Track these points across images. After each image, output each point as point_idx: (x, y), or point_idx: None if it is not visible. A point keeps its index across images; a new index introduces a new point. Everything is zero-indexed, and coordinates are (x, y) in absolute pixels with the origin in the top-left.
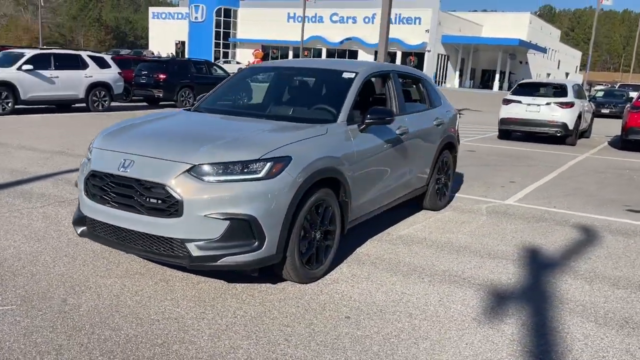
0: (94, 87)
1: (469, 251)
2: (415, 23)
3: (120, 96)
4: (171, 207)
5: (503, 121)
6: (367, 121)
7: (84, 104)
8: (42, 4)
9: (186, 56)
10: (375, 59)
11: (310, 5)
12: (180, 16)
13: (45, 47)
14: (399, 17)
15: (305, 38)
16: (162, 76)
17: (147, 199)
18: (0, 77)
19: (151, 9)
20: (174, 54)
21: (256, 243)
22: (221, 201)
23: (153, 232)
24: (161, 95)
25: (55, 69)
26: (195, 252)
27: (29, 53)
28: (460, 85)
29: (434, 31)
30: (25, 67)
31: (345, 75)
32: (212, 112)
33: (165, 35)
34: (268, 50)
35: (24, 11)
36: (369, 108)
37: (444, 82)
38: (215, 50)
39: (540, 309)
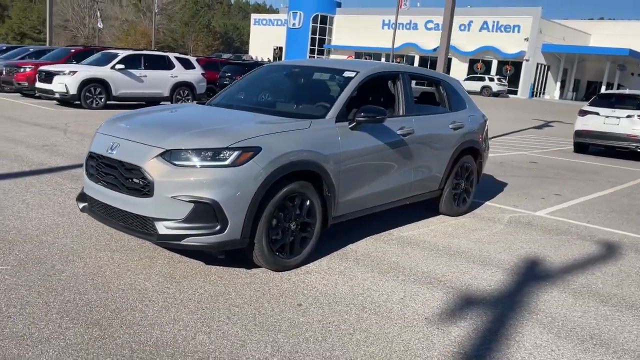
0: (178, 86)
1: (464, 257)
2: (513, 31)
3: (202, 95)
4: (145, 187)
5: (578, 134)
6: (357, 119)
7: (169, 102)
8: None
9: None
10: (469, 67)
11: (405, 12)
12: (279, 22)
13: (143, 48)
14: (497, 25)
15: (398, 45)
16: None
17: (128, 180)
18: (96, 74)
19: (253, 16)
20: (270, 59)
21: (219, 226)
22: (187, 184)
23: (131, 210)
24: None
25: (145, 68)
26: (162, 230)
27: (122, 54)
28: (562, 97)
29: (533, 40)
30: (118, 66)
31: (346, 74)
32: (219, 105)
33: (264, 41)
34: (361, 56)
35: (142, 17)
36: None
37: (543, 94)
38: (309, 56)
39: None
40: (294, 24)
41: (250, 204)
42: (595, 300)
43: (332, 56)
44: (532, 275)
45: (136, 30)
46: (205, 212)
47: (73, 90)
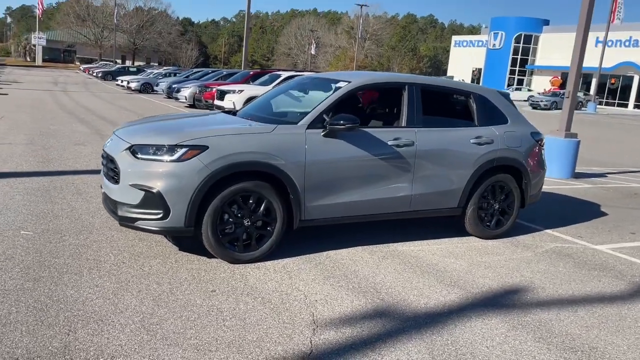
0: None
1: (439, 276)
2: None
3: None
4: (116, 175)
5: None
6: (329, 127)
7: None
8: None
9: (480, 83)
10: None
11: (623, 28)
12: (479, 44)
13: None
14: None
15: (614, 64)
16: None
17: (110, 169)
18: (259, 93)
19: (454, 38)
20: (463, 80)
21: (162, 213)
22: (142, 175)
23: (109, 194)
24: None
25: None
26: (120, 213)
27: (284, 75)
28: None
29: None
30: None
31: (339, 84)
32: (233, 114)
33: (463, 63)
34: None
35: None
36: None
37: None
38: (509, 77)
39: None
40: (494, 45)
41: (192, 196)
42: (551, 336)
43: (534, 77)
44: (504, 304)
45: (346, 56)
46: (152, 200)
47: (239, 106)
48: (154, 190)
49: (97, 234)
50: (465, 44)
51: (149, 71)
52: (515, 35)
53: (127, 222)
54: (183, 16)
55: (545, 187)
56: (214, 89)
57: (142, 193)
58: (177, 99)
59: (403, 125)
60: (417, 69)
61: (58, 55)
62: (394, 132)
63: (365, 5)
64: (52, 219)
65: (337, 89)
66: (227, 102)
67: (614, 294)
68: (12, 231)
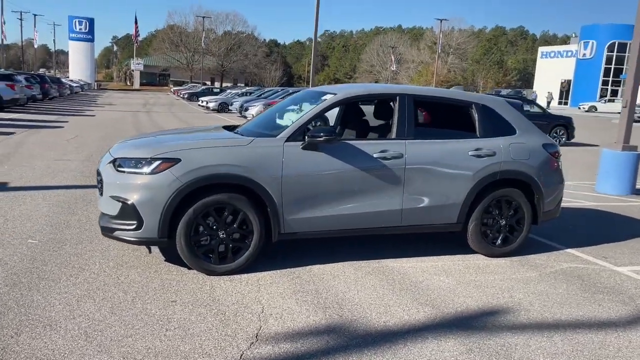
0: None
1: (422, 295)
2: None
3: None
4: (101, 187)
5: None
6: (307, 139)
7: None
8: (450, 51)
9: (570, 95)
10: None
11: None
12: (568, 54)
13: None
14: None
15: None
16: None
17: (98, 182)
18: None
19: (541, 49)
20: (551, 93)
21: (136, 224)
22: (119, 187)
23: (98, 205)
24: None
25: None
26: (102, 223)
27: None
28: None
29: None
30: None
31: (325, 96)
32: (232, 129)
33: (551, 74)
34: None
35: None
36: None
37: None
38: (601, 88)
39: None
40: (584, 55)
41: (164, 207)
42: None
43: None
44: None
45: (427, 71)
46: (128, 211)
47: None
48: (129, 202)
49: (95, 244)
50: (552, 54)
51: (228, 91)
52: (608, 44)
53: (107, 232)
54: (270, 38)
55: (595, 204)
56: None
57: (120, 204)
58: (245, 117)
59: (393, 137)
60: (504, 83)
61: (154, 79)
62: (380, 144)
63: (445, 20)
64: (63, 228)
65: (322, 101)
66: (287, 121)
67: (609, 320)
68: (21, 239)
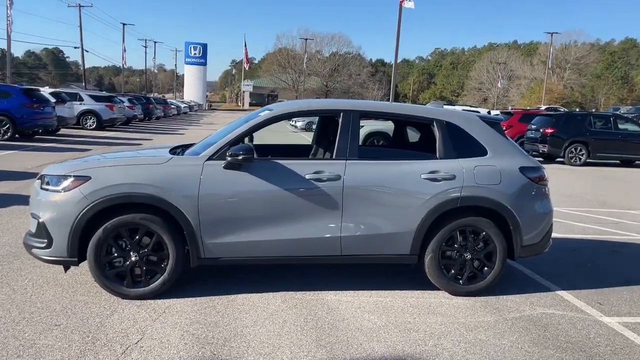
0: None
1: (328, 336)
2: None
3: None
4: None
5: None
6: (228, 158)
7: None
8: (567, 66)
9: None
10: None
11: None
12: None
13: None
14: None
15: None
16: (549, 130)
17: None
18: (374, 129)
19: None
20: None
21: (46, 243)
22: (36, 204)
23: None
24: (546, 150)
25: None
26: (24, 241)
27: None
28: None
29: None
30: None
31: (262, 113)
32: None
33: None
34: None
35: (551, 74)
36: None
37: None
38: None
39: None
40: None
41: (72, 226)
42: None
43: None
44: None
45: (540, 87)
46: (40, 229)
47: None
48: (40, 220)
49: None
50: None
51: None
52: None
53: (27, 249)
54: (376, 57)
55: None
56: None
57: (36, 222)
58: None
59: (333, 157)
60: (630, 99)
61: (262, 100)
62: (316, 164)
63: (557, 33)
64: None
65: (256, 117)
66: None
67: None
68: None
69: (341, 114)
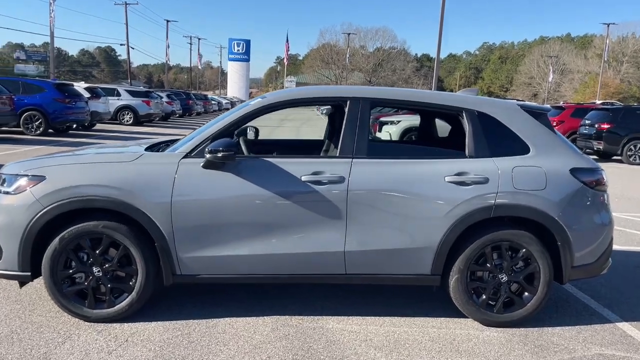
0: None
1: None
2: None
3: None
4: None
5: None
6: (207, 156)
7: None
8: (624, 59)
9: None
10: None
11: None
12: None
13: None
14: None
15: None
16: (604, 126)
17: None
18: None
19: None
20: None
21: None
22: None
23: None
24: (601, 147)
25: None
26: None
27: None
28: None
29: None
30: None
31: (252, 101)
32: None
33: None
34: None
35: (607, 67)
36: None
37: None
38: None
39: None
40: None
41: (23, 235)
42: None
43: None
44: None
45: (595, 81)
46: None
47: (395, 138)
48: None
49: None
50: None
51: None
52: None
53: None
54: (422, 52)
55: None
56: (377, 122)
57: None
58: None
59: (337, 154)
60: None
61: None
62: (314, 163)
63: (614, 24)
64: None
65: (245, 107)
66: (384, 134)
67: None
68: None
69: (348, 102)
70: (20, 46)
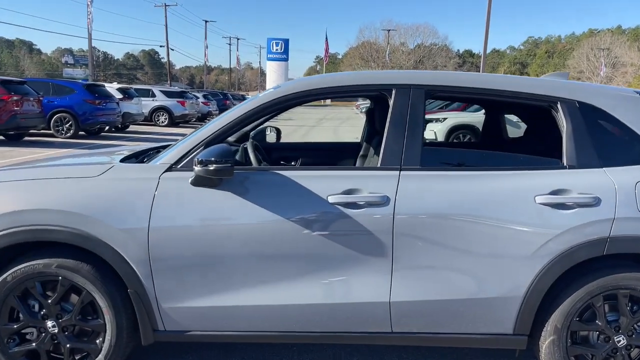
0: None
1: None
2: None
3: None
4: None
5: None
6: (195, 170)
7: None
8: None
9: None
10: None
11: None
12: None
13: None
14: None
15: None
16: None
17: None
18: (464, 121)
19: None
20: None
21: None
22: None
23: None
24: None
25: None
26: None
27: None
28: None
29: None
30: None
31: (263, 93)
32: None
33: None
34: None
35: None
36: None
37: None
38: None
39: None
40: None
41: None
42: None
43: None
44: None
45: None
46: None
47: (441, 137)
48: None
49: None
50: None
51: None
52: None
53: None
54: (464, 48)
55: None
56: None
57: None
58: None
59: (378, 163)
60: None
61: None
62: (346, 177)
63: None
64: None
65: (249, 101)
66: (429, 132)
67: None
68: None
69: (393, 92)
70: (69, 51)
